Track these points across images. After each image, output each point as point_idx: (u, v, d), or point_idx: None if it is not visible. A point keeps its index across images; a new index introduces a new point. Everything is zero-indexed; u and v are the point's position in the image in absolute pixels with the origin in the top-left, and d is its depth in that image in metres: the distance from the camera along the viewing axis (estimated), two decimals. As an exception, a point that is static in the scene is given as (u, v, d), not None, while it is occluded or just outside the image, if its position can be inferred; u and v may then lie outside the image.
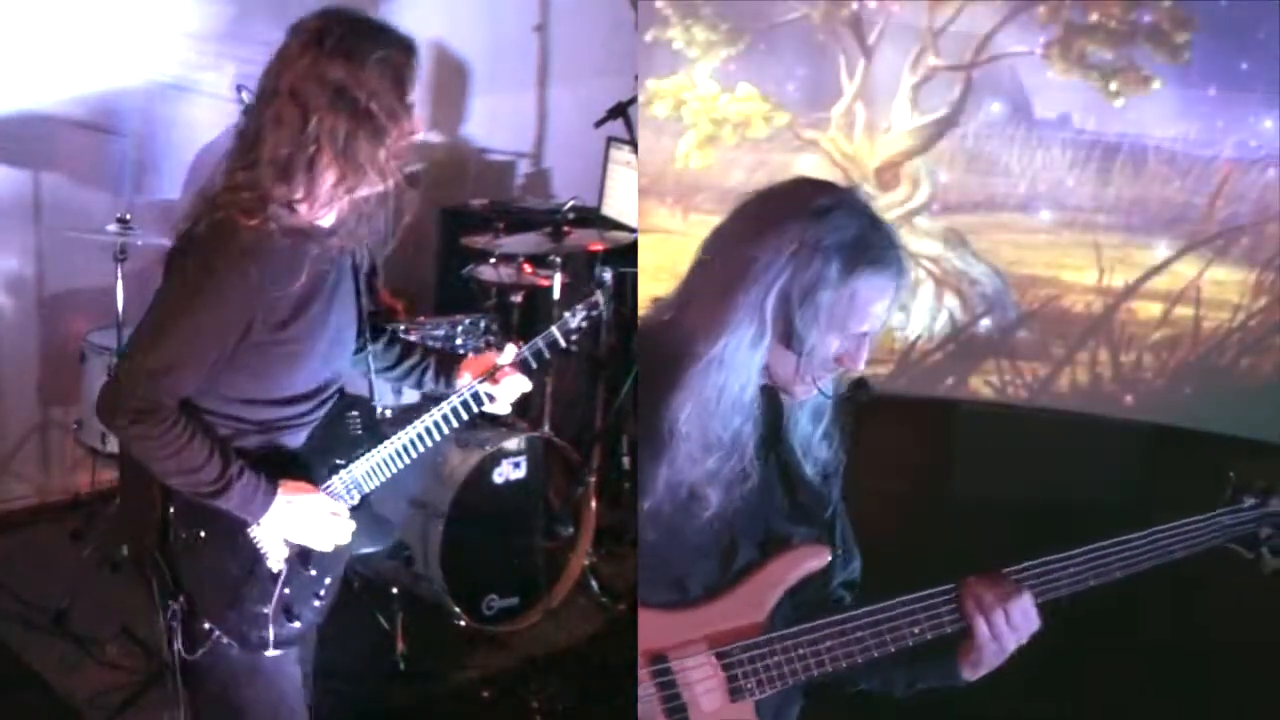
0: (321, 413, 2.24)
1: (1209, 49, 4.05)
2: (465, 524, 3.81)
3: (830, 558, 1.92)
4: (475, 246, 4.44)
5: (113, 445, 4.10)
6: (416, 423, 2.32)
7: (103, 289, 4.05)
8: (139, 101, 4.58)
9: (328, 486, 2.25)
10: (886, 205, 4.39)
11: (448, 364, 2.47)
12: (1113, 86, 4.14)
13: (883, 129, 4.39)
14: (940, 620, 1.88)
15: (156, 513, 2.14)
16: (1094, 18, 4.15)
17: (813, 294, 1.77)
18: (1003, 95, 4.26)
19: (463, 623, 3.84)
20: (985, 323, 4.35)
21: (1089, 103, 4.16)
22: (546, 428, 4.28)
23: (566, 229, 4.34)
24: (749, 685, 1.86)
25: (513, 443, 3.96)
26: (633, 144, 4.42)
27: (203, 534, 2.14)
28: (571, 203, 4.52)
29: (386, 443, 2.30)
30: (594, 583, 4.14)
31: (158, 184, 4.73)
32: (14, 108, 4.37)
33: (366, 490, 2.29)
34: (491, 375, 2.40)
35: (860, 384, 1.90)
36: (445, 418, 2.35)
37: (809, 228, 1.77)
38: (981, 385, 4.34)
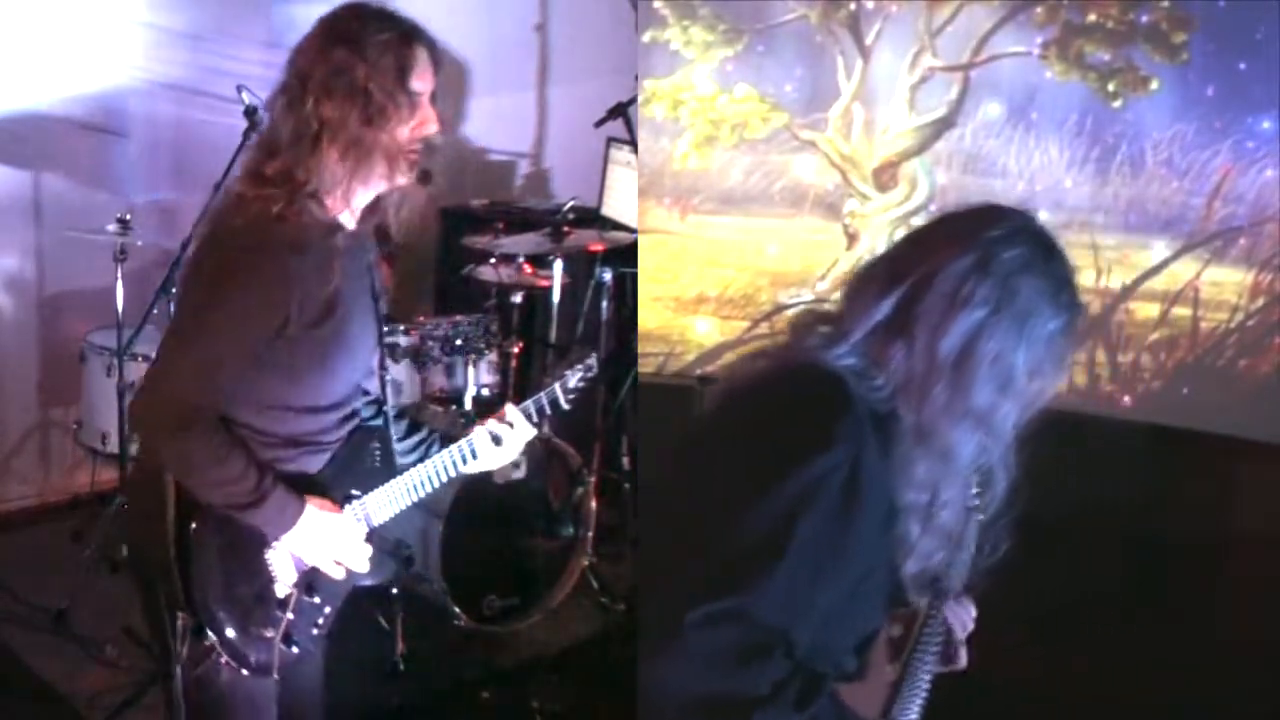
0: (342, 433, 2.24)
1: (1207, 49, 4.05)
2: (465, 524, 3.81)
3: None
4: (475, 246, 4.44)
5: (113, 445, 4.11)
6: (431, 460, 2.33)
7: (103, 289, 4.05)
8: (139, 101, 4.59)
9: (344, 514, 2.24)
10: (884, 206, 4.40)
11: (452, 439, 2.43)
12: (1111, 87, 4.15)
13: (881, 129, 4.40)
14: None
15: (167, 525, 2.11)
16: (1092, 18, 4.15)
17: (1056, 338, 1.69)
18: (1001, 96, 4.27)
19: (463, 623, 3.85)
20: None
21: (1087, 103, 4.16)
22: (546, 428, 4.28)
23: (566, 229, 4.34)
24: None
25: (512, 443, 3.97)
26: (633, 144, 4.43)
27: (220, 553, 2.12)
28: (571, 203, 4.52)
29: (400, 478, 2.30)
30: (594, 583, 4.15)
31: (158, 184, 4.73)
32: (14, 108, 4.38)
33: (375, 524, 2.28)
34: (503, 419, 2.39)
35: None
36: (454, 460, 2.34)
37: (1048, 266, 1.68)
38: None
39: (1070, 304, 1.70)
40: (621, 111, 4.27)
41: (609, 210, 4.98)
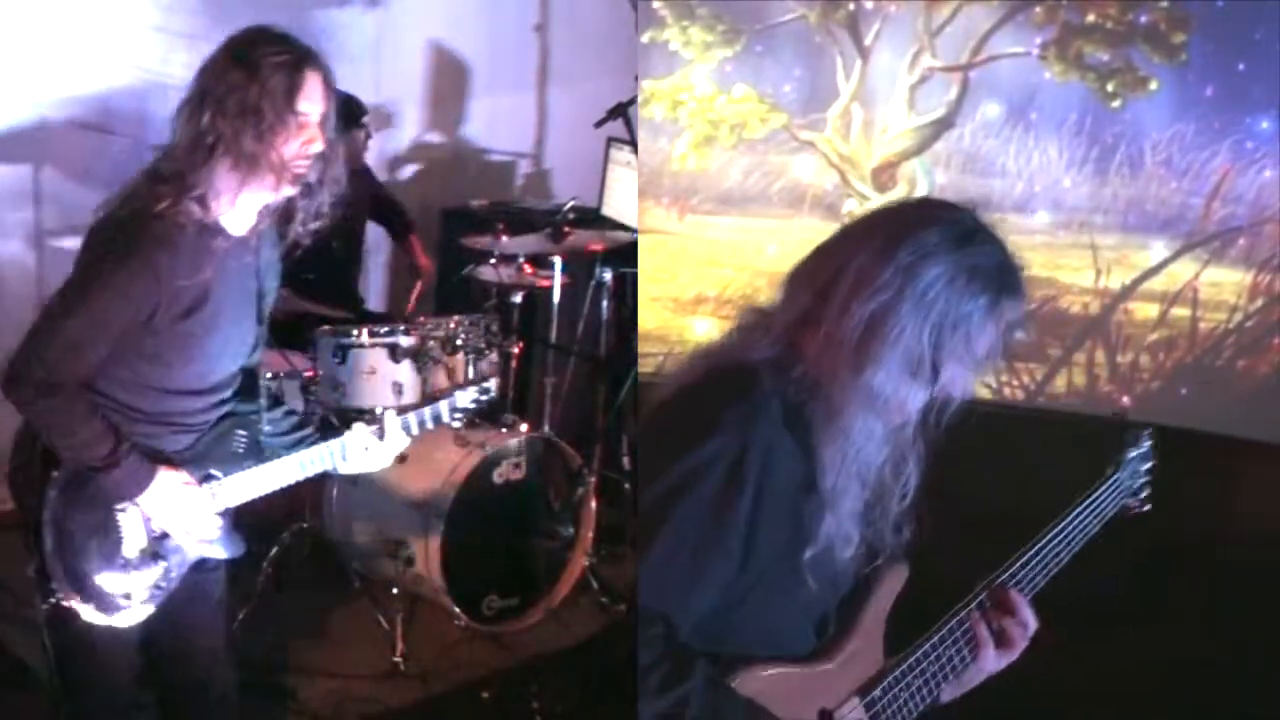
0: (209, 418, 2.43)
1: (1206, 50, 4.05)
2: (465, 524, 3.82)
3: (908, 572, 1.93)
4: (475, 246, 4.45)
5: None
6: (297, 454, 2.50)
7: (103, 290, 4.05)
8: (139, 101, 4.59)
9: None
10: (884, 206, 4.41)
11: (336, 434, 2.61)
12: (1110, 87, 4.15)
13: (880, 130, 4.40)
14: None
15: (38, 476, 2.32)
16: (1091, 18, 4.16)
17: (965, 323, 1.70)
18: (1000, 96, 4.27)
19: (463, 623, 3.85)
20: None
21: (1086, 103, 4.17)
22: (546, 428, 4.29)
23: (566, 229, 4.35)
24: None
25: (513, 443, 3.97)
26: (633, 144, 4.43)
27: (74, 507, 2.32)
28: (571, 203, 4.53)
29: (264, 466, 2.47)
30: (594, 583, 4.15)
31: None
32: (14, 108, 4.38)
33: (230, 504, 2.45)
34: (380, 431, 2.58)
35: (969, 412, 1.83)
36: (321, 456, 2.52)
37: (960, 254, 1.70)
38: (979, 386, 4.34)
39: (984, 291, 1.71)
40: (621, 112, 4.28)
41: (609, 210, 4.99)
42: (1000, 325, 1.75)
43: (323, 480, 4.08)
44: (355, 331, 3.89)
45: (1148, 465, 2.23)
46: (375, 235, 5.20)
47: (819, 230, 4.45)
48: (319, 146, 2.29)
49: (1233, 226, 4.03)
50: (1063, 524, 2.03)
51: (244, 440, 2.47)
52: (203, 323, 2.29)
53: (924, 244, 1.70)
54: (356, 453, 2.57)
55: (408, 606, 3.83)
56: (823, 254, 1.80)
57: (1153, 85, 4.11)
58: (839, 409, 1.72)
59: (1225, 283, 4.05)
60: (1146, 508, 2.21)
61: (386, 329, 3.93)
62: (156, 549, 2.40)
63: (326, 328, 4.00)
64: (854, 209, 4.42)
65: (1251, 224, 4.01)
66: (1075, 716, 3.52)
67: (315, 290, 4.35)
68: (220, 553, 2.49)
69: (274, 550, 3.95)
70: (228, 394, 2.46)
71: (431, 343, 3.95)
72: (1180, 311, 4.11)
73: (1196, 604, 3.69)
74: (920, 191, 4.36)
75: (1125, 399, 4.15)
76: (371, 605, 3.91)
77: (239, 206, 2.30)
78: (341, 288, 4.70)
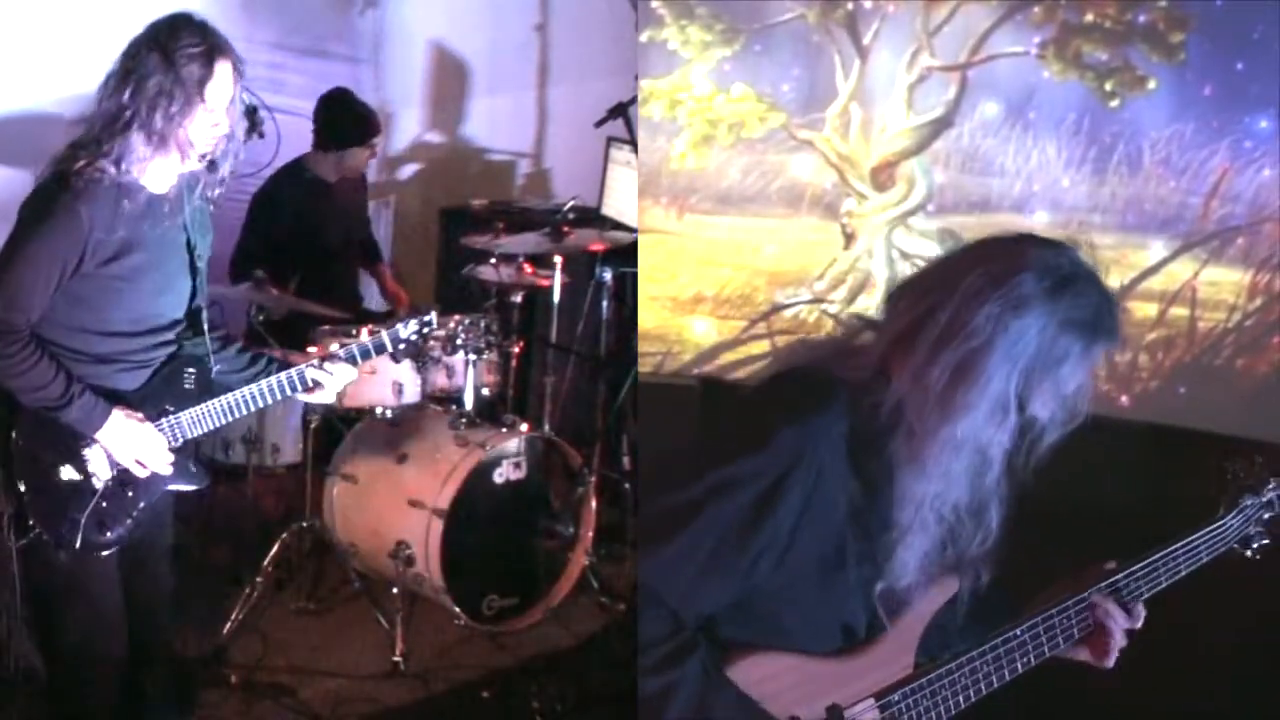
0: (154, 357, 2.67)
1: (1205, 49, 4.05)
2: (465, 524, 3.82)
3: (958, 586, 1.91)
4: (475, 246, 4.46)
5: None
6: (245, 388, 2.73)
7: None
8: (139, 103, 4.58)
9: (155, 426, 2.66)
10: (881, 205, 4.41)
11: (284, 367, 2.84)
12: (1108, 86, 4.15)
13: (878, 129, 4.40)
14: (1072, 632, 1.95)
15: (5, 419, 2.59)
16: (1089, 18, 4.16)
17: (1054, 370, 1.70)
18: (998, 95, 4.27)
19: (462, 623, 3.86)
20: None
21: (1085, 103, 4.17)
22: (546, 428, 4.29)
23: (566, 229, 4.36)
24: None
25: (513, 443, 3.98)
26: (633, 144, 4.44)
27: (40, 444, 2.60)
28: (571, 203, 4.54)
29: (214, 400, 2.71)
30: (594, 583, 4.16)
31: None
32: (14, 108, 4.38)
33: (189, 436, 2.71)
34: (322, 363, 2.81)
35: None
36: (271, 389, 2.76)
37: (1056, 306, 1.69)
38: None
39: (1077, 341, 1.70)
40: (622, 111, 4.29)
41: (609, 210, 5.00)
42: (1092, 367, 1.74)
43: (323, 480, 4.08)
44: (355, 331, 3.89)
45: (1270, 515, 2.14)
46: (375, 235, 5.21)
47: (818, 229, 4.47)
48: (224, 130, 2.56)
49: (1231, 226, 4.03)
50: (1150, 561, 2.02)
51: (193, 376, 2.71)
52: (129, 268, 2.54)
53: (1018, 293, 1.68)
54: (304, 382, 2.79)
55: (408, 606, 3.83)
56: (926, 279, 1.78)
57: (1151, 84, 4.11)
58: (920, 449, 1.70)
59: (1224, 282, 4.06)
60: (1256, 557, 2.14)
61: (386, 329, 3.93)
62: (124, 477, 2.66)
63: (326, 328, 4.00)
64: (853, 208, 4.43)
65: (1250, 223, 4.01)
66: (1075, 716, 3.52)
67: (315, 290, 4.35)
68: (185, 485, 2.74)
69: (274, 550, 3.95)
70: (170, 335, 2.69)
71: (432, 342, 3.95)
72: (1179, 311, 4.12)
73: (1195, 603, 3.69)
74: (919, 191, 4.36)
75: (1124, 398, 4.15)
76: (371, 605, 3.91)
77: (150, 172, 2.56)
78: (341, 288, 4.71)
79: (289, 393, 2.79)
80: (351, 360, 2.85)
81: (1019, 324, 1.67)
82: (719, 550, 1.71)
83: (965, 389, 1.67)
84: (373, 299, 5.09)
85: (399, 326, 2.96)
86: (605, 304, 4.75)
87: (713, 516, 1.69)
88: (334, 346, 2.88)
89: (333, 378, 2.82)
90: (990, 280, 1.69)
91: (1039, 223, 4.23)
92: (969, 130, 4.29)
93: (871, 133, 4.40)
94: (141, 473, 2.67)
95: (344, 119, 4.53)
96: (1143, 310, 4.16)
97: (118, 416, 2.60)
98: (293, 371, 2.79)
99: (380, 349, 2.92)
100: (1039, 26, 4.21)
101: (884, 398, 1.72)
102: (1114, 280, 4.29)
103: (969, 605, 1.91)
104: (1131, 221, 4.16)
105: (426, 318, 2.98)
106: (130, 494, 2.67)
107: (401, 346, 2.97)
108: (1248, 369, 4.04)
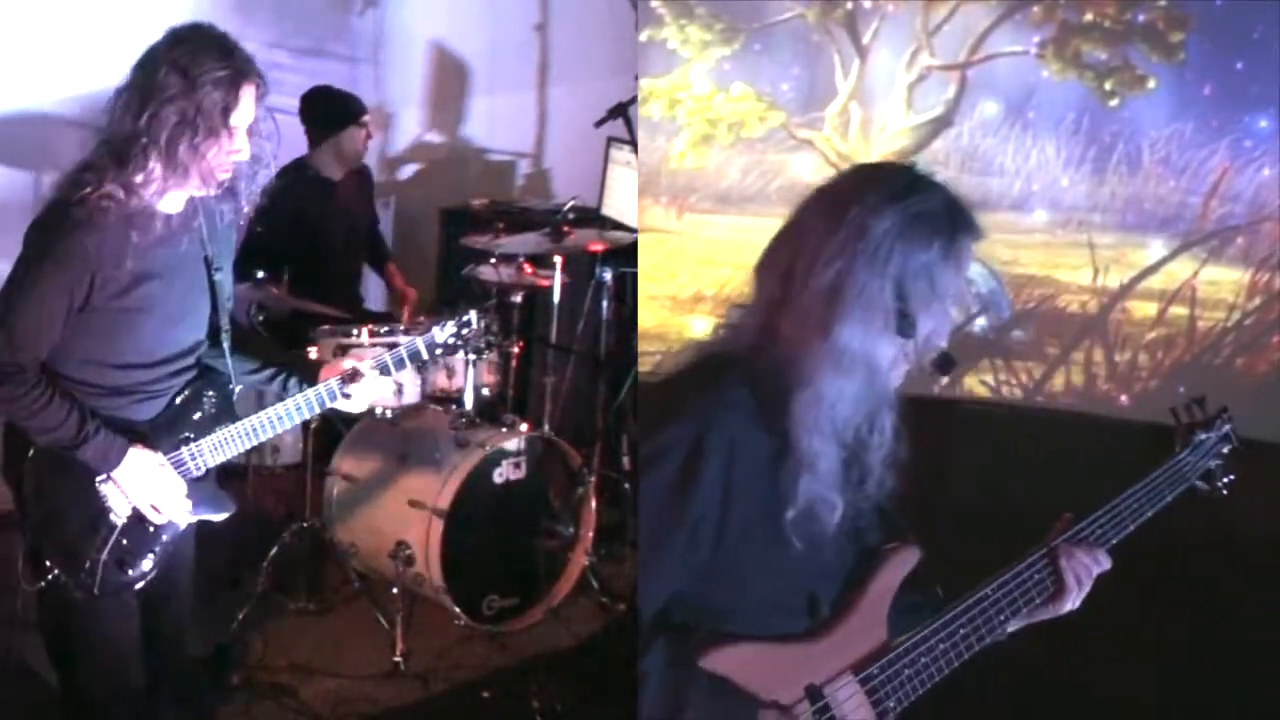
0: (171, 385, 2.49)
1: (1204, 49, 4.06)
2: (465, 524, 3.82)
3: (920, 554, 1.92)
4: (475, 246, 4.45)
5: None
6: (269, 409, 2.55)
7: (103, 290, 4.05)
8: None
9: (175, 457, 2.49)
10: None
11: (310, 370, 2.66)
12: (1108, 86, 4.16)
13: (878, 128, 4.41)
14: (1044, 584, 1.96)
15: (20, 461, 2.43)
16: (1089, 17, 4.16)
17: (927, 270, 1.73)
18: (998, 95, 4.28)
19: (462, 623, 3.86)
20: (980, 322, 4.36)
21: (1084, 102, 4.17)
22: (546, 428, 4.29)
23: (566, 229, 4.35)
24: (890, 704, 1.87)
25: (513, 443, 3.98)
26: (633, 144, 4.43)
27: (56, 481, 2.42)
28: (571, 203, 4.53)
29: (237, 424, 2.54)
30: (594, 583, 4.16)
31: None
32: (14, 108, 4.38)
33: (211, 464, 2.53)
34: (352, 378, 2.61)
35: (947, 359, 1.85)
36: (298, 408, 2.57)
37: (904, 204, 1.73)
38: (977, 385, 4.35)
39: (936, 234, 1.74)
40: (622, 111, 4.28)
41: (609, 210, 4.99)
42: (961, 264, 1.78)
43: (323, 480, 4.08)
44: (355, 331, 3.89)
45: (1229, 448, 2.23)
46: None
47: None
48: (246, 154, 2.39)
49: (1231, 225, 4.04)
50: (1113, 505, 2.06)
51: (214, 400, 2.54)
52: (144, 298, 2.37)
53: (868, 202, 1.74)
54: (335, 400, 2.61)
55: (408, 606, 3.83)
56: (779, 239, 1.84)
57: (1151, 84, 4.12)
58: (810, 374, 1.75)
59: (1223, 281, 4.06)
60: (1223, 493, 2.21)
61: (386, 329, 3.93)
62: (143, 514, 2.47)
63: (326, 328, 4.00)
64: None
65: (1250, 222, 4.01)
66: (1074, 716, 3.52)
67: (315, 290, 4.35)
68: (212, 514, 2.57)
69: (274, 550, 3.95)
70: (189, 360, 2.52)
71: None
72: (1178, 310, 4.12)
73: (1196, 603, 3.69)
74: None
75: (1124, 398, 4.16)
76: (371, 605, 3.91)
77: (167, 197, 2.38)
78: (341, 288, 4.70)
79: (316, 409, 2.60)
80: (384, 370, 2.66)
81: (877, 227, 1.72)
82: (659, 526, 1.76)
83: (839, 303, 1.73)
84: (373, 299, 5.09)
85: (435, 330, 2.77)
86: (605, 304, 4.74)
87: (648, 492, 1.76)
88: (365, 362, 2.64)
89: (364, 390, 2.62)
90: (839, 203, 1.76)
91: (1038, 222, 4.24)
92: (968, 129, 4.30)
93: (871, 132, 4.40)
94: (157, 518, 2.48)
95: (328, 105, 4.53)
96: (1142, 309, 4.16)
97: (135, 455, 2.43)
98: (322, 389, 2.59)
99: (415, 356, 2.73)
100: (1038, 26, 4.22)
101: (776, 350, 1.78)
102: (1114, 279, 4.33)
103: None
104: (1131, 221, 4.16)
105: (465, 318, 2.82)
106: (151, 529, 2.49)
107: (439, 351, 2.79)
108: (1247, 368, 4.04)
